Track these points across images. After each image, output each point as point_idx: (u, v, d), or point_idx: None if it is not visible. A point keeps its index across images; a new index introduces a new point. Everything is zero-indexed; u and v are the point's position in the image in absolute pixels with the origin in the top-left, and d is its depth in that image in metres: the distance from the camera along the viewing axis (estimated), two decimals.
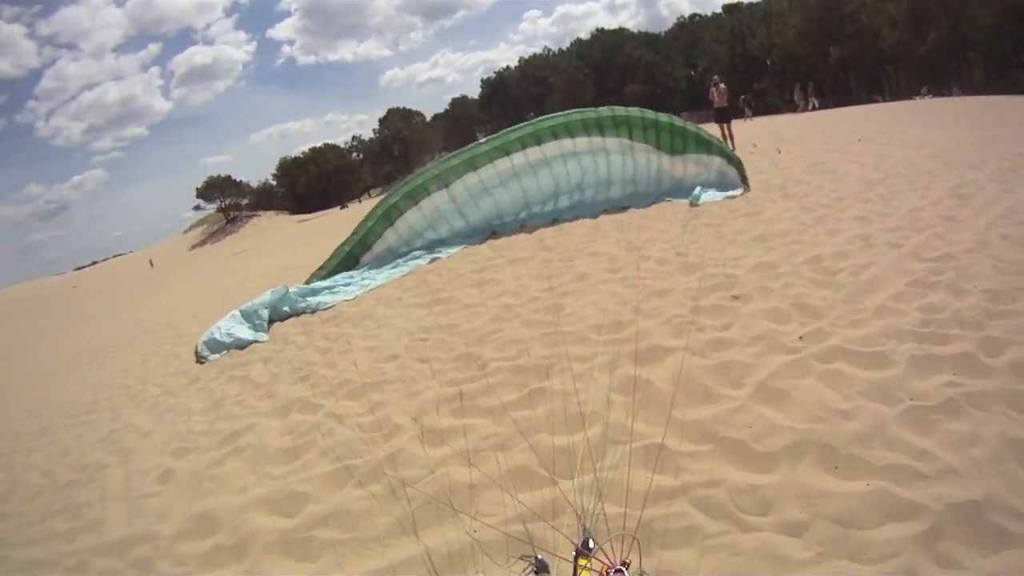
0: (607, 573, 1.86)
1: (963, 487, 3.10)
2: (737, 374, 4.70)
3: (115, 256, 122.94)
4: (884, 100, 44.13)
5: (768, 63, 62.11)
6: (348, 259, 12.37)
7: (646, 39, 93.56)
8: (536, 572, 1.89)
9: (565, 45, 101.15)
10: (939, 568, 2.71)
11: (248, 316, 10.28)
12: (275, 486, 4.82)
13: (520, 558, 2.55)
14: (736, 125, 24.89)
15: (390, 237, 12.40)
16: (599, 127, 12.30)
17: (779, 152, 17.85)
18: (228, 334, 9.86)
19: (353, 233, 12.57)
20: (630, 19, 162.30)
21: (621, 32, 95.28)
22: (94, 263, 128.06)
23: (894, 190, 10.08)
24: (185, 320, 15.30)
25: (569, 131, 12.29)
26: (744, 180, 12.44)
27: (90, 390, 10.33)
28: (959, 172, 10.69)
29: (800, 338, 5.09)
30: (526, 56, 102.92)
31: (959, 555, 2.76)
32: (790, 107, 50.43)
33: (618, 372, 5.08)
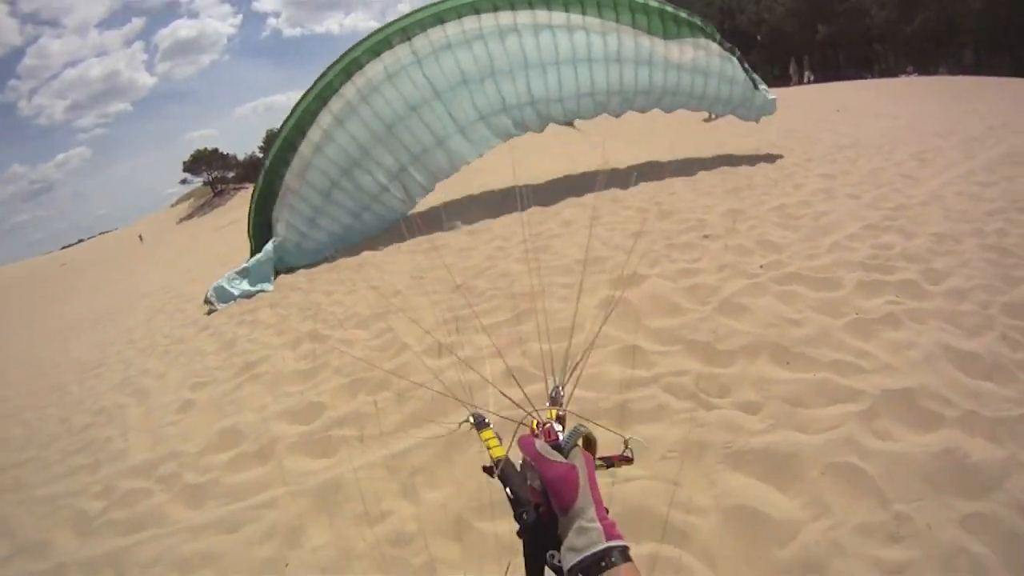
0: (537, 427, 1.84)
1: (899, 379, 3.67)
2: (703, 294, 5.34)
3: (101, 233, 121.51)
4: (872, 78, 44.57)
5: (758, 38, 62.11)
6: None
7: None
8: (475, 426, 1.78)
9: None
10: (876, 439, 3.21)
11: (254, 271, 10.65)
12: (292, 401, 5.32)
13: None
14: None
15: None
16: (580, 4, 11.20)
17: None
18: (235, 285, 10.30)
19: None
20: None
21: None
22: (80, 241, 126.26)
23: (861, 153, 10.74)
24: (184, 283, 15.54)
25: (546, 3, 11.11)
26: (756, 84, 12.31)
27: (97, 349, 10.59)
28: (926, 140, 11.34)
29: (760, 267, 5.73)
30: None
31: (894, 431, 3.28)
32: (781, 81, 50.72)
33: (599, 294, 5.71)
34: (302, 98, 11.04)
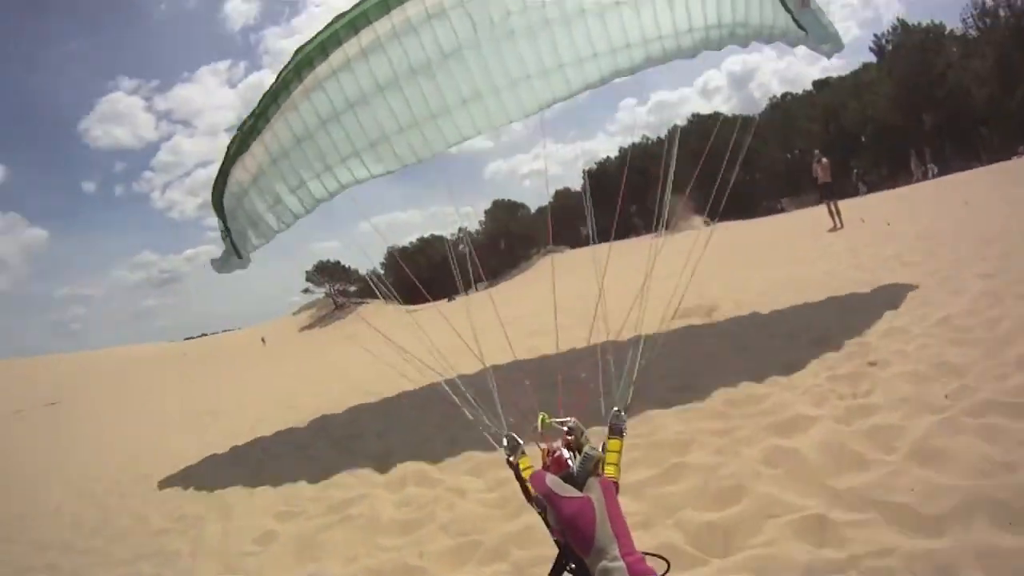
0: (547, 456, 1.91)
1: None
2: (887, 438, 4.53)
3: (224, 331, 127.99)
4: (981, 164, 42.48)
5: (862, 139, 61.02)
6: None
7: (742, 123, 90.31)
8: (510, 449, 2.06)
9: (662, 133, 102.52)
10: None
11: None
12: (386, 558, 4.78)
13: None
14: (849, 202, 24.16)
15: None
16: None
17: (888, 224, 17.42)
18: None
19: None
20: (724, 103, 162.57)
21: (716, 117, 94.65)
22: (203, 335, 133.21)
23: (1012, 247, 9.73)
24: (295, 395, 15.61)
25: None
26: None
27: (195, 447, 10.59)
28: None
29: (946, 397, 4.91)
30: (625, 145, 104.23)
31: None
32: (898, 179, 48.90)
33: (760, 443, 4.99)
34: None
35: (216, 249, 8.38)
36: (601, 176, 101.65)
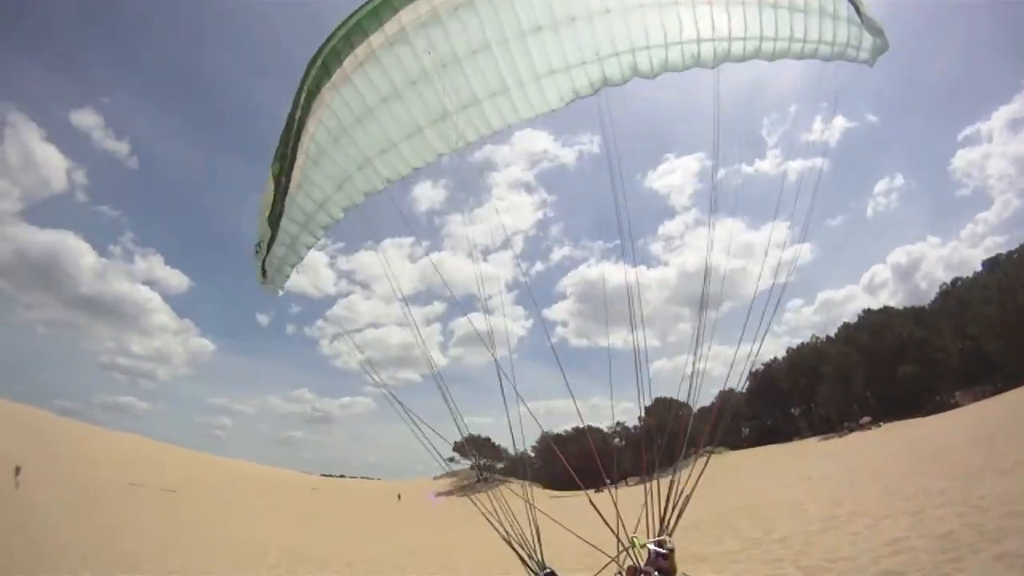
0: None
1: None
2: None
3: (362, 477, 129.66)
4: None
5: None
6: None
7: (913, 315, 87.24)
8: None
9: (829, 332, 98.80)
10: None
11: None
12: None
13: None
14: None
15: None
16: None
17: None
18: None
19: None
20: (890, 297, 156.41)
21: (887, 311, 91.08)
22: (341, 476, 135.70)
23: None
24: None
25: None
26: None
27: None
28: None
29: None
30: (793, 346, 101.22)
31: None
32: None
33: None
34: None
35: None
36: (766, 377, 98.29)
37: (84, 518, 27.85)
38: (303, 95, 7.89)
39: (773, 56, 8.59)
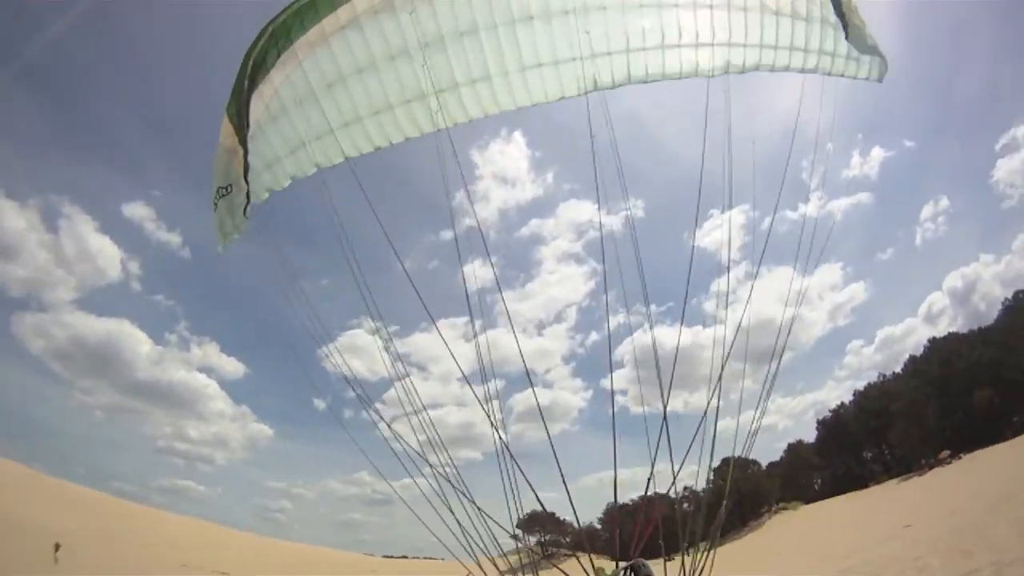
0: None
1: None
2: None
3: (426, 557, 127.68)
4: None
5: None
6: None
7: (980, 336, 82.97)
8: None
9: (894, 369, 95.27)
10: None
11: None
12: None
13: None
14: None
15: None
16: None
17: None
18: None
19: None
20: (950, 324, 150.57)
21: (954, 337, 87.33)
22: (404, 556, 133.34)
23: None
24: None
25: None
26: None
27: None
28: None
29: None
30: (859, 388, 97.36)
31: None
32: None
33: None
34: None
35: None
36: (834, 425, 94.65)
37: None
38: (266, 39, 7.61)
39: (774, 66, 8.64)
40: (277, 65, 7.67)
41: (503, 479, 7.81)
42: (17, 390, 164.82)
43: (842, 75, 8.86)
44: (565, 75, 8.06)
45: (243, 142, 7.71)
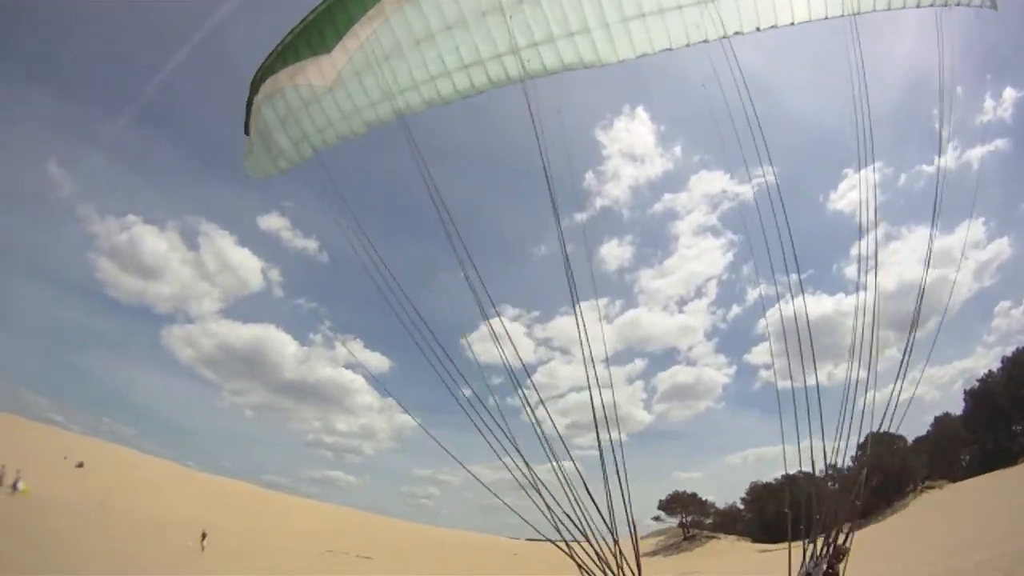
0: None
1: None
2: None
3: (573, 540, 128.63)
4: None
5: None
6: None
7: None
8: None
9: None
10: None
11: None
12: None
13: None
14: None
15: None
16: None
17: None
18: None
19: None
20: None
21: None
22: (548, 540, 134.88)
23: None
24: None
25: None
26: None
27: None
28: None
29: None
30: (1008, 354, 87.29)
31: None
32: None
33: None
34: None
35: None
36: (983, 395, 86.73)
37: None
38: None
39: (890, 5, 8.40)
40: (363, 20, 7.98)
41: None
42: (169, 396, 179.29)
43: (958, 3, 8.59)
44: (689, 20, 7.98)
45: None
